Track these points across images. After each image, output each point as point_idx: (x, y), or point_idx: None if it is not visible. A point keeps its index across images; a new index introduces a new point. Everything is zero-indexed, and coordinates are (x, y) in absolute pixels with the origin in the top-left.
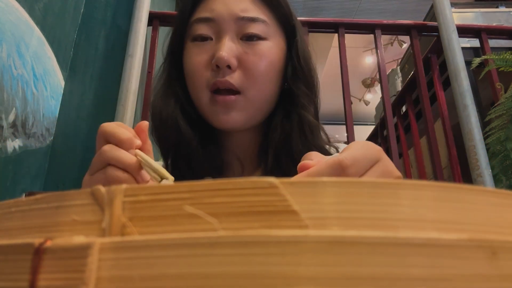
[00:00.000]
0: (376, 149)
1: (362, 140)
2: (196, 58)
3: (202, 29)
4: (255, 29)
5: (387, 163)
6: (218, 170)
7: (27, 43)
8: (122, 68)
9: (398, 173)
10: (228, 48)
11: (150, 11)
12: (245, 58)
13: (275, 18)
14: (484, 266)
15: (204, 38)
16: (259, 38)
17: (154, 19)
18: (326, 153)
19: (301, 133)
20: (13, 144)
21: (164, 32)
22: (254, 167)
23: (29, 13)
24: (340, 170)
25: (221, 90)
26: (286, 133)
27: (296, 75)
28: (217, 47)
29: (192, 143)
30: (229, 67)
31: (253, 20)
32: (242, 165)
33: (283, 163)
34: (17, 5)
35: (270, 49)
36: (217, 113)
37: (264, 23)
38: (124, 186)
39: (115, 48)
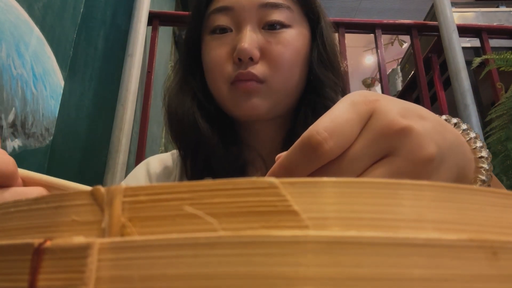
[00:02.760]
0: (363, 102)
1: (349, 94)
2: (216, 51)
3: (221, 20)
4: (278, 16)
5: (383, 115)
6: (240, 170)
7: (27, 42)
8: (121, 68)
9: (398, 122)
10: (250, 39)
11: (150, 10)
12: (269, 48)
13: (298, 4)
14: (484, 267)
15: (223, 30)
16: (282, 25)
17: (154, 19)
18: None
19: None
20: (13, 144)
21: (164, 32)
22: None
23: (28, 12)
24: (311, 150)
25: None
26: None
27: (323, 62)
28: (238, 39)
29: (211, 142)
30: (251, 59)
31: (276, 6)
32: (265, 164)
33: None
34: (16, 4)
35: (295, 37)
36: (238, 101)
37: (288, 9)
38: (123, 186)
39: (115, 47)
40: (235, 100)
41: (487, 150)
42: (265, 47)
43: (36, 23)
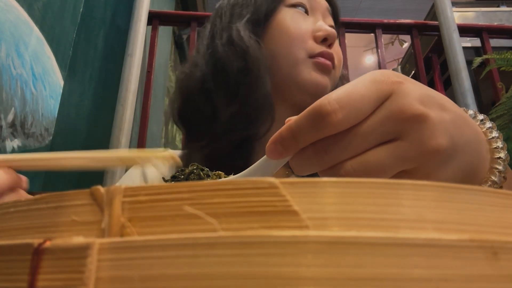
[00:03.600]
0: (385, 81)
1: (373, 71)
2: (301, 22)
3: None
4: (332, 22)
5: (401, 98)
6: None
7: (26, 42)
8: (121, 67)
9: (415, 108)
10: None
11: (149, 10)
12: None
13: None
14: (485, 267)
15: (303, 8)
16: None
17: (154, 19)
18: None
19: None
20: (12, 144)
21: (164, 32)
22: (286, 169)
23: (28, 12)
24: (319, 119)
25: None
26: None
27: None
28: (321, 23)
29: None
30: (330, 46)
31: (333, 13)
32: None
33: None
34: (16, 4)
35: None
36: (313, 73)
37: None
38: (123, 186)
39: (115, 47)
40: (310, 71)
41: (506, 152)
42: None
43: (36, 22)
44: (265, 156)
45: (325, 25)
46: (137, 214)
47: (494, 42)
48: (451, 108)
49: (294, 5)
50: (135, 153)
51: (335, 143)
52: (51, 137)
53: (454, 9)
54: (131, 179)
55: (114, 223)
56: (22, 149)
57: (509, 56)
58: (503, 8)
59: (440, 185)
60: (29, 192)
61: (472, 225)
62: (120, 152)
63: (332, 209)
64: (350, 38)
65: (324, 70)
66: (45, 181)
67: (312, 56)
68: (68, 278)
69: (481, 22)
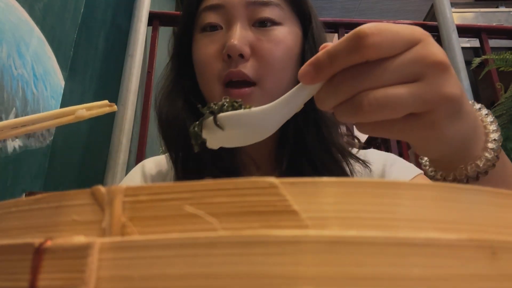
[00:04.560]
0: (416, 30)
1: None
2: (206, 49)
3: (211, 18)
4: (268, 13)
5: (430, 46)
6: (231, 174)
7: (27, 43)
8: (122, 68)
9: (441, 57)
10: (240, 36)
11: (150, 11)
12: (259, 45)
13: (289, 2)
14: (484, 266)
15: (213, 27)
16: (273, 23)
17: (154, 19)
18: (346, 152)
19: (318, 131)
20: (13, 144)
21: (164, 32)
22: (272, 169)
23: (29, 13)
24: (357, 39)
25: (234, 83)
26: (301, 132)
27: None
28: (228, 36)
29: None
30: (241, 56)
31: (266, 3)
32: (258, 168)
33: (300, 164)
34: (17, 5)
35: (286, 35)
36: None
37: (278, 7)
38: (124, 186)
39: (115, 48)
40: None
41: (500, 134)
42: (256, 44)
43: (37, 23)
44: (296, 86)
45: (230, 39)
46: (138, 214)
47: (493, 42)
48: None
49: (203, 29)
50: (74, 107)
51: (363, 72)
52: (52, 137)
53: (453, 9)
54: (132, 180)
55: (115, 222)
56: (23, 149)
57: (508, 56)
58: (502, 9)
59: (440, 185)
60: (30, 191)
61: (471, 225)
62: (58, 110)
63: (332, 208)
64: None
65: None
66: (46, 181)
67: (224, 83)
68: (69, 277)
69: (480, 22)
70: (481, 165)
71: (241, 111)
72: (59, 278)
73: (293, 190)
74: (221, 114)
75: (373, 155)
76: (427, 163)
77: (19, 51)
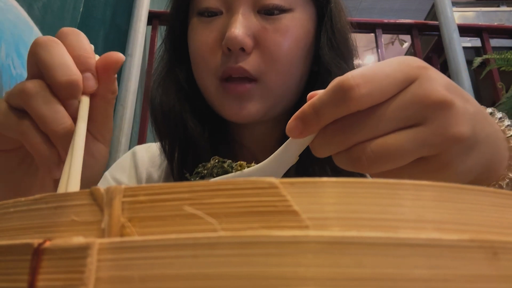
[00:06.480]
0: (410, 65)
1: (403, 56)
2: (202, 38)
3: (210, 1)
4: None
5: (427, 83)
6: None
7: (26, 42)
8: (121, 67)
9: (442, 94)
10: (242, 25)
11: (149, 10)
12: (264, 36)
13: None
14: (485, 267)
15: (212, 13)
16: (281, 10)
17: (154, 18)
18: None
19: None
20: None
21: (164, 32)
22: None
23: (28, 12)
24: (342, 93)
25: (232, 77)
26: None
27: (334, 50)
28: (228, 24)
29: (200, 140)
30: (242, 49)
31: None
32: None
33: (306, 162)
34: (16, 4)
35: (296, 23)
36: (228, 105)
37: None
38: (123, 186)
39: (115, 47)
40: (224, 101)
41: None
42: (261, 35)
43: (36, 22)
44: (288, 140)
45: (230, 29)
46: (137, 214)
47: (494, 42)
48: (473, 102)
49: (201, 13)
50: None
51: (356, 123)
52: None
53: (454, 9)
54: (122, 166)
55: (114, 223)
56: None
57: (509, 56)
58: (503, 8)
59: (440, 185)
60: None
61: (472, 225)
62: None
63: (332, 209)
64: None
65: (239, 97)
66: None
67: (221, 77)
68: (68, 278)
69: (481, 22)
70: (504, 186)
71: (232, 174)
72: (58, 278)
73: (293, 190)
74: (211, 181)
75: None
76: None
77: (18, 51)
